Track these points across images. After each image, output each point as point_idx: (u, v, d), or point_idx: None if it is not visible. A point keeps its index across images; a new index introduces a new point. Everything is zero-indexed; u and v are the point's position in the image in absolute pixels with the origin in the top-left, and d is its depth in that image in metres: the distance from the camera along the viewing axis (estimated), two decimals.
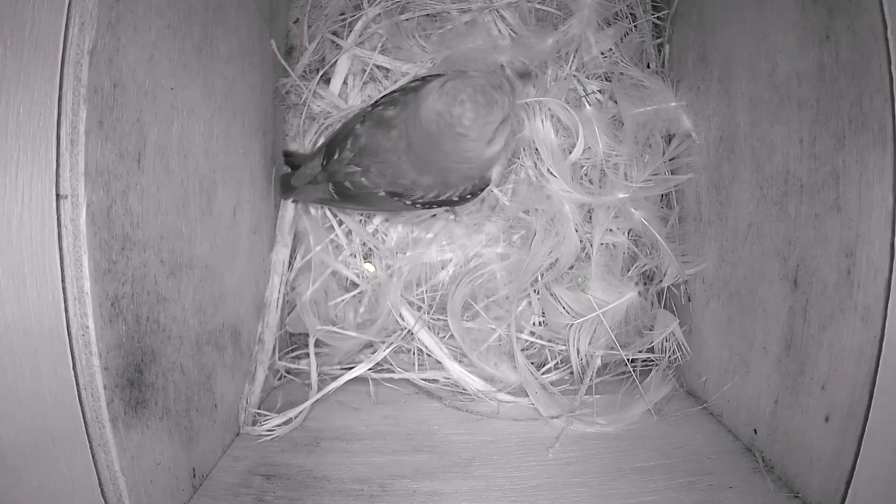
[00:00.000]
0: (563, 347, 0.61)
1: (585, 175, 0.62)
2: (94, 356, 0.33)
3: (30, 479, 0.32)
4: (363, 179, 0.51)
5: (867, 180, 0.35)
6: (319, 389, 0.56)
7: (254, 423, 0.53)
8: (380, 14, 0.64)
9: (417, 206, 0.51)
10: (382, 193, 0.51)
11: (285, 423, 0.53)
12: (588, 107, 0.62)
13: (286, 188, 0.60)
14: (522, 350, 0.60)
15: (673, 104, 0.58)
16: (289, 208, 0.63)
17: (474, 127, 0.42)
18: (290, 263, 0.63)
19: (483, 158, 0.46)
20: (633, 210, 0.59)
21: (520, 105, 0.58)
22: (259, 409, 0.54)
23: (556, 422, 0.54)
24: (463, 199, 0.51)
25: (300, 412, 0.53)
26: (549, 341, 0.63)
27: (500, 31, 0.63)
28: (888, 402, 0.34)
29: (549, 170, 0.60)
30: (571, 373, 0.61)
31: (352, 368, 0.58)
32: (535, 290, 0.63)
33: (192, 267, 0.44)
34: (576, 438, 0.52)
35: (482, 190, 0.51)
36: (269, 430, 0.52)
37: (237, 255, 0.53)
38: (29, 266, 0.31)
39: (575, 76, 0.62)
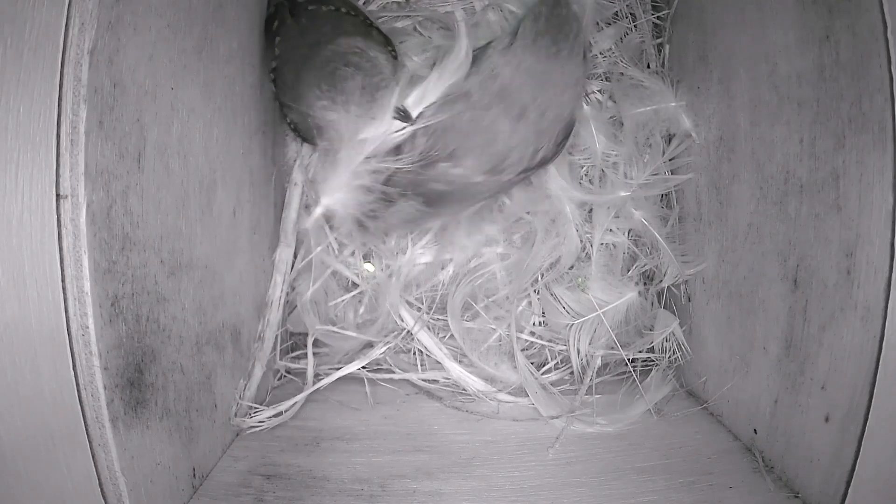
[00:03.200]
0: (563, 347, 0.62)
1: (585, 175, 0.62)
2: (94, 356, 0.33)
3: (30, 479, 0.32)
4: (458, 170, 0.46)
5: (867, 180, 0.35)
6: (314, 386, 0.56)
7: (245, 416, 0.53)
8: (383, 7, 0.64)
9: (520, 175, 0.48)
10: (479, 178, 0.47)
11: (276, 415, 0.53)
12: (587, 107, 0.62)
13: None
14: (522, 350, 0.60)
15: (673, 104, 0.58)
16: (292, 208, 0.63)
17: (571, 39, 0.45)
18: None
19: (578, 73, 0.47)
20: (633, 210, 0.59)
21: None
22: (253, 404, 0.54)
23: (556, 422, 0.54)
24: (558, 149, 0.49)
25: (292, 405, 0.53)
26: (550, 341, 0.63)
27: (506, 20, 0.63)
28: (888, 402, 0.34)
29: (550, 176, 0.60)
30: (571, 372, 0.61)
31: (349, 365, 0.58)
32: (535, 290, 0.63)
33: (192, 267, 0.44)
34: (576, 438, 0.52)
35: (570, 133, 0.50)
36: (259, 422, 0.52)
37: (237, 255, 0.53)
38: (29, 266, 0.31)
39: None
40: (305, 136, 0.57)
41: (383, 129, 0.48)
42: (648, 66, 0.63)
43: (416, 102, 0.48)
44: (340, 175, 0.49)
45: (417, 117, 0.47)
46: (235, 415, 0.52)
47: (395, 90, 0.48)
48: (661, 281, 0.61)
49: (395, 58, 0.55)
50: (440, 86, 0.48)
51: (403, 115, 0.47)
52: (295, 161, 0.65)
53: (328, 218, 0.52)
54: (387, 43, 0.56)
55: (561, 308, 0.60)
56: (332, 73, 0.49)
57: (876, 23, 0.33)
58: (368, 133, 0.48)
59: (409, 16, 0.64)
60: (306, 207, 0.64)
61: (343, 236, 0.63)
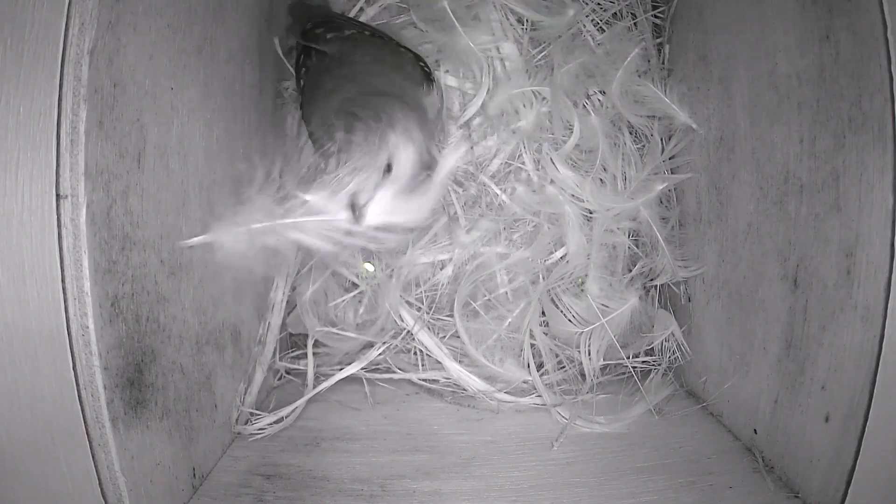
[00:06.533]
0: (563, 347, 0.61)
1: (586, 174, 0.62)
2: (94, 356, 0.33)
3: (30, 479, 0.32)
4: None
5: (867, 180, 0.35)
6: (313, 389, 0.56)
7: (246, 423, 0.53)
8: (383, 8, 0.64)
9: None
10: None
11: (277, 421, 0.53)
12: (588, 106, 0.62)
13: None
14: (523, 351, 0.60)
15: (671, 103, 0.58)
16: None
17: None
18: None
19: None
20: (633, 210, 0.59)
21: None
22: (256, 408, 0.54)
23: (559, 419, 0.54)
24: None
25: (292, 411, 0.54)
26: (553, 338, 0.63)
27: (507, 18, 0.62)
28: (888, 402, 0.34)
29: (550, 176, 0.60)
30: (564, 370, 0.61)
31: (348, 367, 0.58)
32: (537, 291, 0.63)
33: (192, 267, 0.44)
34: (576, 438, 0.52)
35: None
36: (259, 429, 0.52)
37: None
38: (29, 266, 0.31)
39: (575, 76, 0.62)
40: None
41: (322, 206, 0.41)
42: (648, 66, 0.63)
43: (374, 214, 0.41)
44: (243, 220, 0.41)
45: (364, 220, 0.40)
46: (237, 422, 0.52)
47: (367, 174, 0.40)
48: (655, 277, 0.61)
49: (429, 74, 0.50)
50: (402, 216, 0.42)
51: (355, 212, 0.41)
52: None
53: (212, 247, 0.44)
54: (418, 60, 0.51)
55: (562, 310, 0.60)
56: (333, 114, 0.43)
57: (876, 23, 0.33)
58: (311, 198, 0.41)
59: (409, 17, 0.64)
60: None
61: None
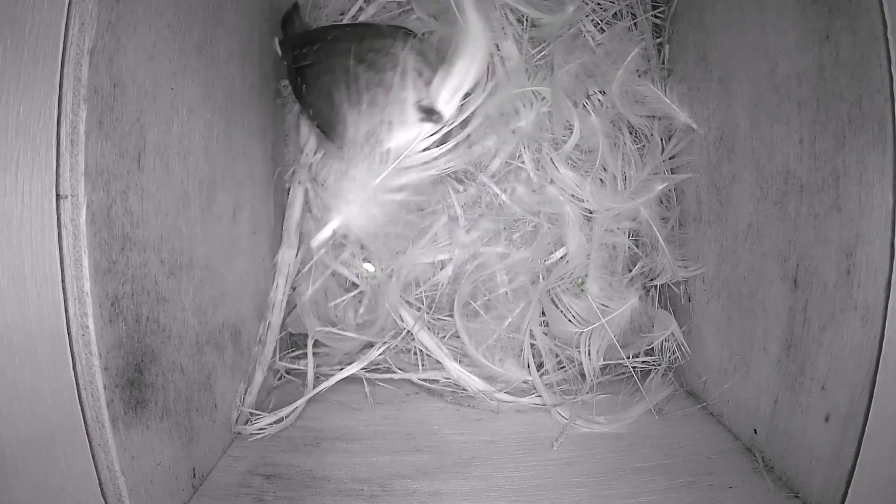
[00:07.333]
0: (563, 347, 0.61)
1: (586, 174, 0.62)
2: (94, 356, 0.33)
3: (30, 479, 0.32)
4: None
5: (867, 180, 0.35)
6: (314, 389, 0.56)
7: (246, 423, 0.53)
8: (383, 7, 0.64)
9: None
10: None
11: (277, 421, 0.53)
12: (588, 106, 0.62)
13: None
14: (523, 351, 0.60)
15: (671, 103, 0.58)
16: (296, 208, 0.63)
17: None
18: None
19: None
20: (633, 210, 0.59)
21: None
22: (256, 408, 0.55)
23: (559, 419, 0.54)
24: None
25: (292, 411, 0.54)
26: (553, 338, 0.63)
27: (507, 17, 0.62)
28: (888, 402, 0.34)
29: (550, 176, 0.60)
30: (564, 370, 0.61)
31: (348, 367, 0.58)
32: (537, 291, 0.63)
33: (192, 267, 0.44)
34: (576, 438, 0.52)
35: None
36: (259, 429, 0.52)
37: (237, 255, 0.53)
38: (29, 266, 0.31)
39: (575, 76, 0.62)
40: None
41: (411, 136, 0.43)
42: (648, 66, 0.63)
43: (447, 98, 0.42)
44: (360, 190, 0.44)
45: (450, 115, 0.43)
46: (237, 422, 0.52)
47: (410, 85, 0.42)
48: (654, 278, 0.61)
49: (409, 32, 0.50)
50: (470, 74, 0.42)
51: (432, 114, 0.42)
52: (297, 161, 0.65)
53: (341, 233, 0.47)
54: (393, 27, 0.52)
55: (562, 310, 0.60)
56: (346, 72, 0.45)
57: (876, 23, 0.33)
58: (392, 142, 0.42)
59: (408, 14, 0.64)
60: (309, 211, 0.64)
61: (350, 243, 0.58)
